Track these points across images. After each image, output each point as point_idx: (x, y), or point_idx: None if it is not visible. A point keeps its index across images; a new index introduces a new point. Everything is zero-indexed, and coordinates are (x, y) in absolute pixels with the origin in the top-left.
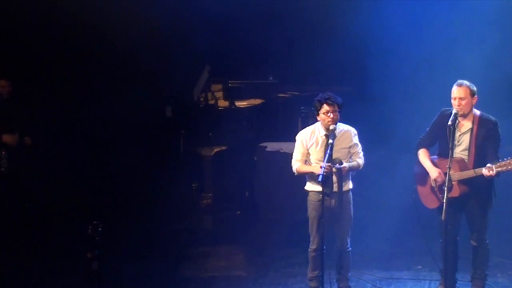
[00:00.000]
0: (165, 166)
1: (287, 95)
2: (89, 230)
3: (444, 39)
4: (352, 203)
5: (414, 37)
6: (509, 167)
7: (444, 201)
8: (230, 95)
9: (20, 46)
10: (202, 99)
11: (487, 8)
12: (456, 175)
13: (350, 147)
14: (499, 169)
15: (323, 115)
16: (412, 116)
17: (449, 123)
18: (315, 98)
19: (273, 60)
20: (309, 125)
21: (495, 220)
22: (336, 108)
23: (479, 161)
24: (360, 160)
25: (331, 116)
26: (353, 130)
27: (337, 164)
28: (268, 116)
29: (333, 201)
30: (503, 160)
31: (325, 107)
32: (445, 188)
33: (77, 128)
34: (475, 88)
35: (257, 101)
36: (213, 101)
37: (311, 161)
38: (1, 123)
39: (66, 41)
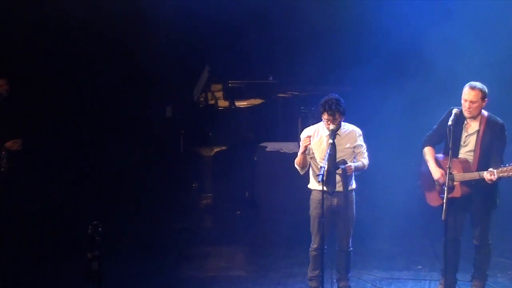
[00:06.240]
0: (165, 166)
1: (287, 95)
2: (89, 230)
3: (443, 42)
4: (355, 203)
5: (415, 36)
6: (511, 173)
7: (444, 201)
8: (230, 95)
9: (19, 44)
10: (202, 99)
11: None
12: (459, 176)
13: (354, 147)
14: (501, 174)
15: (324, 120)
16: (414, 116)
17: (449, 123)
18: (321, 100)
19: (273, 60)
20: (309, 125)
21: (495, 220)
22: (337, 117)
23: (483, 163)
24: (365, 160)
25: (330, 124)
26: (358, 131)
27: (342, 165)
28: (268, 116)
29: (335, 200)
30: (505, 166)
31: (325, 115)
32: (445, 188)
33: (77, 128)
34: (486, 90)
35: (257, 101)
36: (213, 101)
37: (315, 159)
38: (1, 123)
39: (66, 40)
